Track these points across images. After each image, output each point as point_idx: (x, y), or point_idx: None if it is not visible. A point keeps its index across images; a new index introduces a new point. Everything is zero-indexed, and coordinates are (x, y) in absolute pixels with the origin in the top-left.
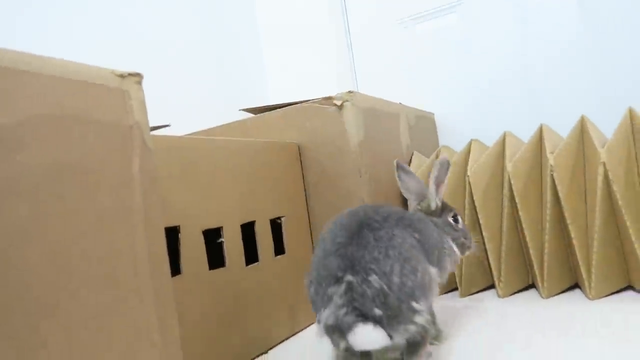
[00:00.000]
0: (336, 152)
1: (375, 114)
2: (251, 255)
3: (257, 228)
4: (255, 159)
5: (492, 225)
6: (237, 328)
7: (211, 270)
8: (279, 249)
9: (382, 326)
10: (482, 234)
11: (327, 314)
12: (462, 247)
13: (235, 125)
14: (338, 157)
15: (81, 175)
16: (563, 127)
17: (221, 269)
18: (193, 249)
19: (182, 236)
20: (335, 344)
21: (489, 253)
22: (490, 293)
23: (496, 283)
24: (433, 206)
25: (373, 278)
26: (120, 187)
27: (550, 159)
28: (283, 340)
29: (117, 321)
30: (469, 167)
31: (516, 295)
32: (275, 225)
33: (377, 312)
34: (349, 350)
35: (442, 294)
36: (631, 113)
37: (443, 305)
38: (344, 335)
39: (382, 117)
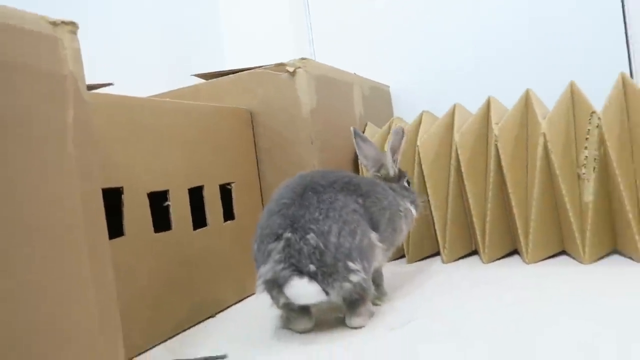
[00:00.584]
0: (288, 119)
1: (328, 82)
2: (200, 220)
3: (206, 193)
4: (204, 123)
5: (439, 194)
6: (185, 292)
7: (157, 234)
8: (229, 215)
9: (317, 281)
10: (429, 201)
11: (265, 269)
12: (417, 208)
13: (186, 91)
14: (290, 124)
15: (11, 124)
16: (510, 100)
17: (167, 232)
18: (137, 211)
19: (126, 198)
20: (275, 301)
21: (435, 220)
22: (436, 259)
23: (441, 250)
24: (391, 173)
25: (311, 236)
26: (53, 138)
27: (495, 130)
28: (231, 305)
29: (48, 274)
30: (418, 137)
31: (459, 261)
32: (225, 191)
33: (312, 267)
34: (288, 306)
35: (391, 260)
36: (572, 87)
37: (390, 270)
38: (282, 290)
39: (335, 86)
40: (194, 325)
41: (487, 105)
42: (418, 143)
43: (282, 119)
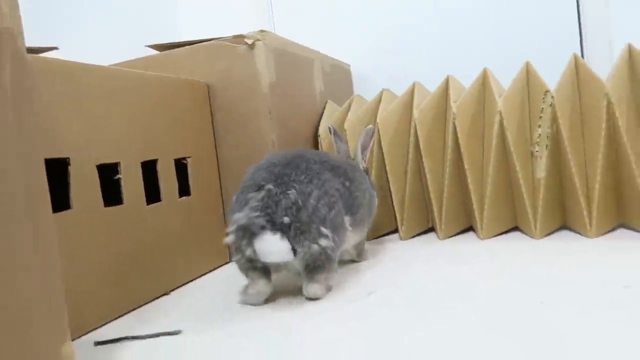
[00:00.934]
0: (247, 93)
1: (288, 56)
2: (154, 196)
3: (160, 167)
4: (158, 95)
5: (397, 171)
6: (137, 268)
7: (107, 208)
8: (184, 190)
9: (289, 237)
10: (387, 179)
11: (240, 215)
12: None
13: (139, 63)
14: (248, 98)
15: None
16: (468, 79)
17: (118, 206)
18: (85, 183)
19: (72, 169)
20: (240, 255)
21: (393, 197)
22: (394, 237)
23: (399, 226)
24: (361, 168)
25: (292, 192)
26: None
27: (453, 107)
28: (186, 283)
29: None
30: (378, 115)
31: (416, 237)
32: (181, 166)
33: (286, 219)
34: (251, 263)
35: None
36: (527, 67)
37: None
38: (251, 242)
39: (295, 60)
40: (146, 303)
41: (446, 83)
42: (377, 120)
43: (240, 92)
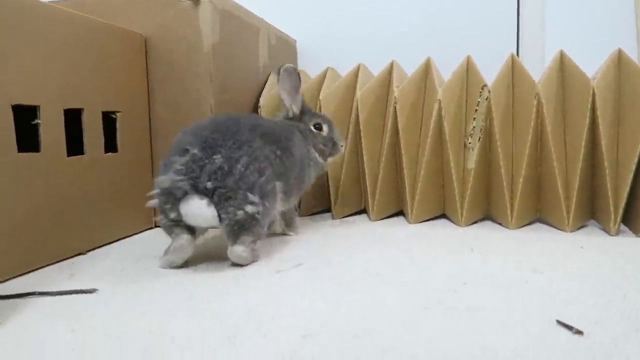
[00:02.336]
0: (188, 51)
1: (234, 20)
2: (77, 148)
3: (85, 118)
4: (87, 39)
5: None
6: (52, 222)
7: (21, 154)
8: (111, 146)
9: (214, 202)
10: None
11: (163, 179)
12: (322, 154)
13: (70, 4)
14: (189, 56)
15: None
16: (411, 67)
17: (35, 154)
18: None
19: None
20: (165, 215)
21: (329, 176)
22: (327, 215)
23: (332, 206)
24: (290, 114)
25: (218, 157)
26: None
27: (395, 92)
28: (105, 245)
29: None
30: (321, 92)
31: (348, 217)
32: (109, 120)
33: (210, 185)
34: (176, 222)
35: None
36: (468, 60)
37: None
38: (176, 205)
39: (241, 25)
40: (61, 261)
41: (390, 68)
42: (320, 97)
43: (180, 49)
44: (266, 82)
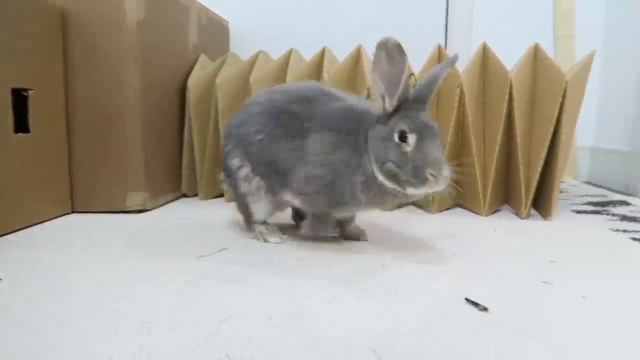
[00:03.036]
0: (110, 28)
1: None
2: None
3: None
4: None
5: None
6: None
7: None
8: (22, 126)
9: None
10: None
11: None
12: (390, 176)
13: None
14: (111, 34)
15: None
16: (342, 53)
17: None
18: None
19: None
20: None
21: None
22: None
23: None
24: (380, 108)
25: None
26: None
27: (326, 77)
28: (17, 230)
29: None
30: (251, 74)
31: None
32: (22, 99)
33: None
34: None
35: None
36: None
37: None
38: None
39: (169, 3)
40: None
41: (322, 53)
42: (251, 80)
43: (101, 26)
44: (194, 63)
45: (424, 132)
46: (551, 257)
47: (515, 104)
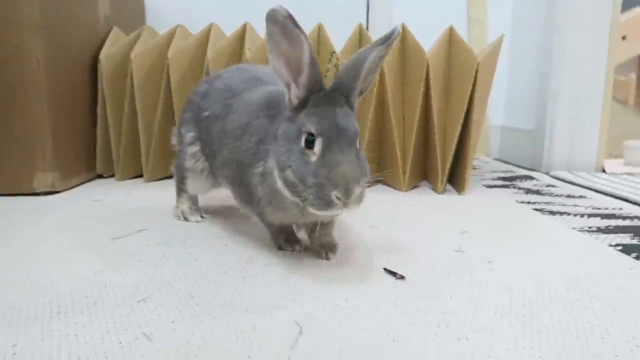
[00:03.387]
0: None
1: None
2: None
3: None
4: None
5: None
6: None
7: None
8: None
9: None
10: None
11: None
12: (290, 189)
13: None
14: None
15: None
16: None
17: None
18: None
19: None
20: None
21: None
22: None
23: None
24: (286, 99)
25: None
26: None
27: (248, 54)
28: None
29: None
30: (169, 49)
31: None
32: None
33: None
34: None
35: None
36: (319, 28)
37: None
38: None
39: None
40: None
41: (243, 29)
42: (169, 55)
43: None
44: (106, 36)
45: (332, 138)
46: (463, 228)
47: (431, 82)
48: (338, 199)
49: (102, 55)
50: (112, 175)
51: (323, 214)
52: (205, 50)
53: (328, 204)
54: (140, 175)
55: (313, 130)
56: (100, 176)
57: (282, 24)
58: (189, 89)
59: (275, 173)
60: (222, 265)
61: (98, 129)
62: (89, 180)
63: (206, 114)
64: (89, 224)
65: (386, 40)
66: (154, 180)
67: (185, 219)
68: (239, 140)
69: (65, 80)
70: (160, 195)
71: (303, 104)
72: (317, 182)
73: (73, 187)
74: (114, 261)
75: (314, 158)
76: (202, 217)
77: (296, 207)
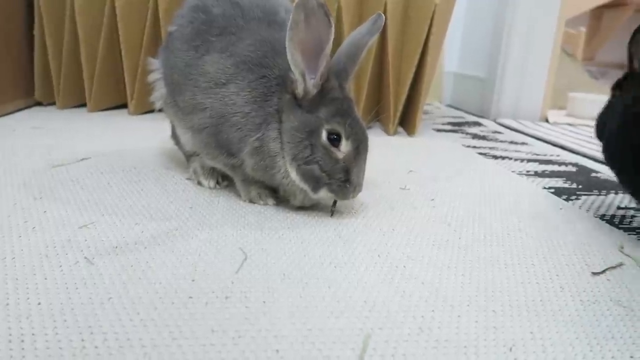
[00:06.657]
0: None
1: None
2: None
3: None
4: None
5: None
6: None
7: None
8: None
9: None
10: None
11: None
12: (306, 177)
13: None
14: None
15: None
16: None
17: None
18: None
19: None
20: None
21: (125, 71)
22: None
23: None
24: (299, 91)
25: None
26: None
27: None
28: None
29: None
30: None
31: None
32: None
33: None
34: None
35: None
36: None
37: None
38: None
39: None
40: None
41: None
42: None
43: None
44: None
45: (361, 144)
46: (410, 168)
47: (388, 23)
48: (353, 192)
49: None
50: (53, 103)
51: (330, 199)
52: None
53: (345, 195)
54: (84, 105)
55: (342, 132)
56: (39, 103)
57: (310, 12)
58: (138, 10)
59: (289, 164)
60: (168, 195)
61: (36, 54)
62: (26, 108)
63: (172, 28)
64: (28, 151)
65: (378, 29)
66: (140, 114)
67: (199, 183)
68: (221, 88)
69: None
70: (104, 125)
71: (320, 96)
72: (345, 179)
73: (8, 114)
74: (54, 188)
75: (341, 156)
76: (217, 183)
77: (297, 189)
